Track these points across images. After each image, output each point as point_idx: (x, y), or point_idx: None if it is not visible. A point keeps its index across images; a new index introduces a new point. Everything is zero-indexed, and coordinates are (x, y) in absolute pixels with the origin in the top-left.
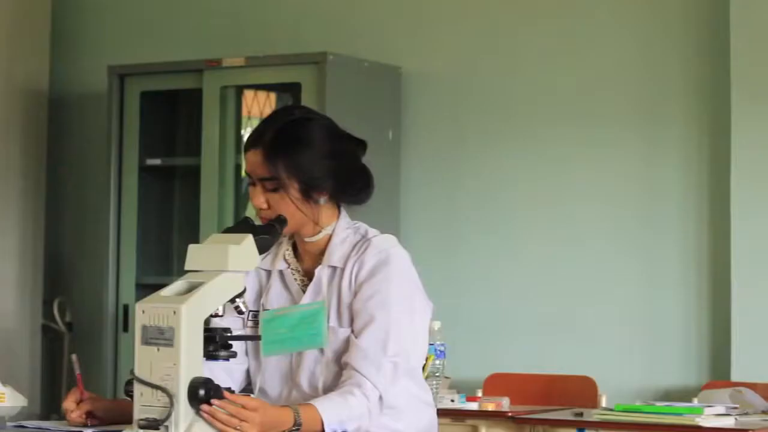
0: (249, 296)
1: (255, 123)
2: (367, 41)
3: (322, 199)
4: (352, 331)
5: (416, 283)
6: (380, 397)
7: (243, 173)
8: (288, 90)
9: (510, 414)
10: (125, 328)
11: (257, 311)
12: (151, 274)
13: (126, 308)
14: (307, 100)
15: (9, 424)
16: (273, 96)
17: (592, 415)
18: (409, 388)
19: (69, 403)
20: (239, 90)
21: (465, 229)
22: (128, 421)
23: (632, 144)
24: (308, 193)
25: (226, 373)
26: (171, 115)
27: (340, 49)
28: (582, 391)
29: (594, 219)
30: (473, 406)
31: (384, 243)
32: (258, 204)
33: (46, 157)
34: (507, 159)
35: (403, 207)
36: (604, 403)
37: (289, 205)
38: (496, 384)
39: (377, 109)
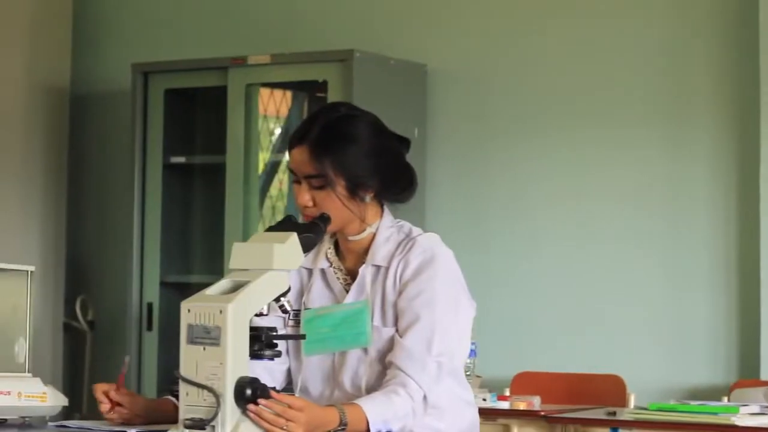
0: (290, 295)
1: (271, 122)
2: (392, 39)
3: (368, 197)
4: (397, 330)
5: (461, 282)
6: (424, 397)
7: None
8: (312, 88)
9: (543, 413)
10: (149, 327)
11: (299, 310)
12: (174, 273)
13: (150, 306)
14: (333, 97)
15: (51, 424)
16: (289, 95)
17: (626, 414)
18: (452, 388)
19: (99, 394)
20: (264, 87)
21: (490, 227)
22: (167, 420)
23: (659, 143)
24: (354, 190)
25: (267, 373)
26: (195, 112)
27: (365, 47)
28: (610, 390)
29: (620, 218)
30: (504, 405)
31: (429, 242)
32: (303, 202)
33: (68, 155)
34: (532, 157)
35: (428, 205)
36: (632, 402)
37: (336, 202)
38: (523, 383)
39: (403, 107)
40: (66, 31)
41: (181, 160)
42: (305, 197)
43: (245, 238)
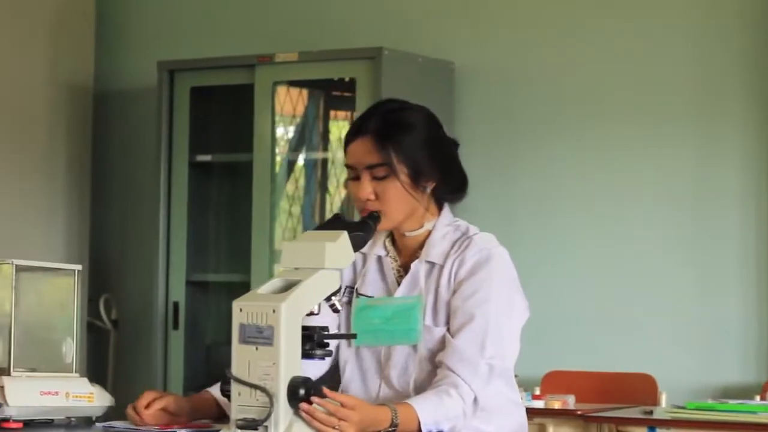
0: (344, 275)
1: (287, 121)
2: (419, 36)
3: (429, 188)
4: (448, 330)
5: (516, 283)
6: (475, 399)
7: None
8: (339, 86)
9: (580, 412)
10: (175, 326)
11: (352, 288)
12: (200, 271)
13: (176, 305)
14: (362, 95)
15: (98, 424)
16: (305, 93)
17: (664, 413)
18: (501, 389)
19: (140, 405)
20: (292, 85)
21: (519, 226)
22: (209, 414)
23: (689, 143)
24: (417, 179)
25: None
26: (221, 110)
27: (391, 44)
28: (641, 389)
29: (651, 217)
30: (539, 404)
31: (485, 241)
32: (365, 195)
33: (91, 153)
34: (561, 156)
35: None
36: (663, 401)
37: (399, 191)
38: (553, 381)
39: (431, 105)
40: (89, 28)
41: (207, 158)
42: (367, 190)
43: (272, 236)
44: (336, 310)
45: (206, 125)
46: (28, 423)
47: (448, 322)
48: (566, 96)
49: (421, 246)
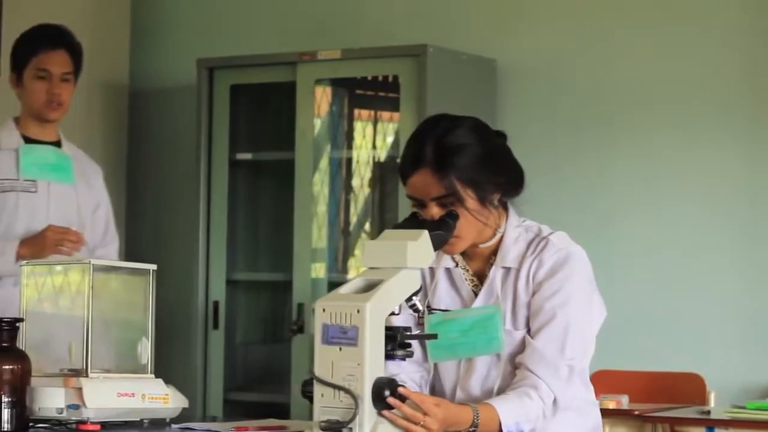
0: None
1: (325, 119)
2: (461, 33)
3: (495, 201)
4: (528, 331)
5: (593, 282)
6: (555, 401)
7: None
8: (380, 85)
9: (637, 413)
10: (215, 325)
11: (423, 311)
12: (240, 270)
13: (216, 305)
14: (406, 92)
15: (174, 426)
16: (329, 91)
17: (723, 413)
18: (579, 390)
19: None
20: (334, 83)
21: (562, 226)
22: None
23: (735, 143)
24: (484, 197)
25: (408, 380)
26: (261, 108)
27: (432, 41)
28: (688, 388)
29: (697, 216)
30: None
31: (562, 240)
32: (436, 217)
33: (127, 152)
34: (605, 157)
35: None
36: (712, 400)
37: (467, 218)
38: (601, 381)
39: (473, 103)
40: (124, 26)
41: (247, 156)
42: (436, 215)
43: (314, 235)
44: (417, 311)
45: (246, 123)
46: (103, 425)
47: (527, 324)
48: (611, 95)
49: (493, 251)
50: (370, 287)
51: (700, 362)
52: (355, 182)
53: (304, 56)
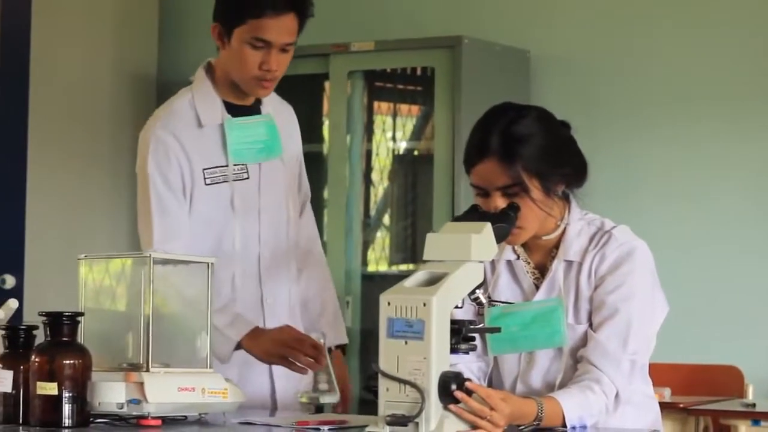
0: None
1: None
2: (495, 24)
3: (560, 191)
4: (590, 325)
5: (656, 276)
6: (617, 395)
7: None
8: (412, 78)
9: (682, 405)
10: None
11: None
12: None
13: None
14: (441, 84)
15: (233, 420)
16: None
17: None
18: (640, 385)
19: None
20: (368, 75)
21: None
22: None
23: None
24: (548, 188)
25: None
26: (292, 100)
27: (465, 33)
28: (726, 381)
29: (735, 209)
30: None
31: (625, 235)
32: (499, 208)
33: None
34: (640, 148)
35: None
36: (750, 393)
37: (531, 207)
38: None
39: (507, 94)
40: (152, 18)
41: None
42: (500, 205)
43: (345, 228)
44: (480, 304)
45: None
46: (163, 419)
47: (589, 318)
48: (644, 86)
49: (555, 244)
50: (434, 280)
51: (738, 354)
52: (378, 174)
53: (337, 48)
